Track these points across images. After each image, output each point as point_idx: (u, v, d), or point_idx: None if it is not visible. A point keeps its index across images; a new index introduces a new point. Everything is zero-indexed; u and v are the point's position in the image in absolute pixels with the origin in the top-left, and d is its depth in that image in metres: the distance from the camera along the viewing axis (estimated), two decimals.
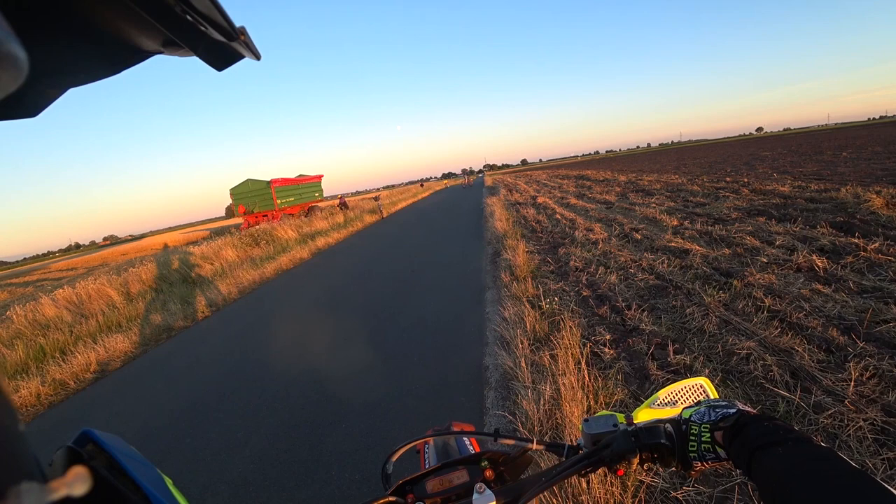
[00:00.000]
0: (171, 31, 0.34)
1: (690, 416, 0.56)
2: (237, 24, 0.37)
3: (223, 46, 0.38)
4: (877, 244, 4.15)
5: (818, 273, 3.78)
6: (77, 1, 0.29)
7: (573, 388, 2.42)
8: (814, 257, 4.05)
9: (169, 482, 0.30)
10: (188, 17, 0.32)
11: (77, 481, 0.19)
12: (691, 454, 0.53)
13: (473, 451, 0.98)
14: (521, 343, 3.26)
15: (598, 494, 1.71)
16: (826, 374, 2.34)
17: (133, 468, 0.27)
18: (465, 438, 1.09)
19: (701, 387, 0.71)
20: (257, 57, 0.42)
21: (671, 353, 2.85)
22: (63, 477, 0.18)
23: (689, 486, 1.78)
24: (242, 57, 0.42)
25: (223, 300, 7.64)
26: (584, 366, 2.61)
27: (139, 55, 0.36)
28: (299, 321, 5.50)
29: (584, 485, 1.74)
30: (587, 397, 2.42)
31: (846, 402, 2.10)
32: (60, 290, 8.68)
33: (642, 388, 2.56)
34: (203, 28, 0.34)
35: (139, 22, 0.32)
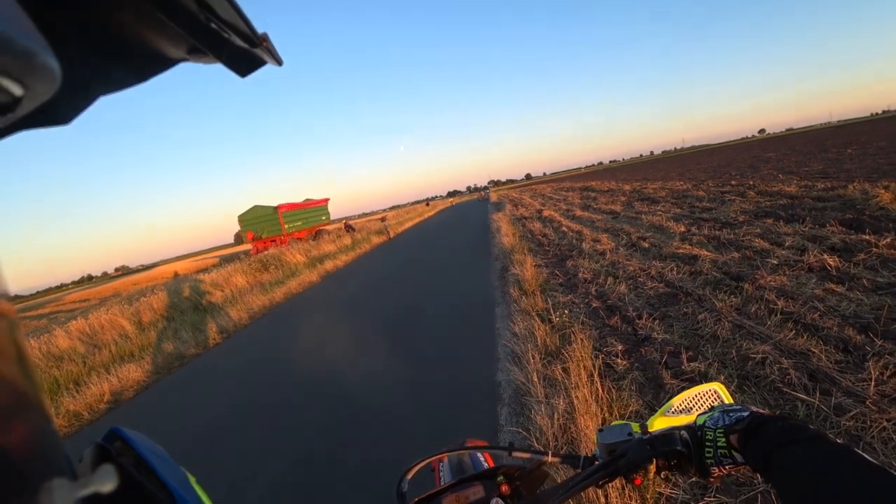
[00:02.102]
0: (196, 39, 0.36)
1: (705, 421, 0.56)
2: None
3: (246, 53, 0.40)
4: (888, 239, 4.09)
5: (830, 272, 3.73)
6: (109, 13, 0.31)
7: (587, 400, 2.39)
8: (825, 256, 4.00)
9: (193, 480, 0.32)
10: (212, 25, 0.34)
11: (105, 478, 0.20)
12: (708, 460, 0.52)
13: (488, 467, 0.97)
14: (533, 358, 3.23)
15: None
16: (845, 375, 2.29)
17: (159, 465, 0.28)
18: (479, 454, 1.08)
19: (715, 392, 0.70)
20: (279, 62, 0.43)
21: (685, 360, 2.81)
22: (92, 474, 0.20)
23: (710, 497, 1.73)
24: (265, 63, 0.43)
25: (234, 326, 7.67)
26: (597, 378, 2.57)
27: (166, 63, 0.38)
28: (309, 344, 5.49)
29: (603, 498, 1.70)
30: (602, 409, 2.39)
31: (867, 402, 2.04)
32: (73, 322, 8.80)
33: (657, 398, 2.51)
34: (226, 35, 0.36)
35: (166, 30, 0.34)
